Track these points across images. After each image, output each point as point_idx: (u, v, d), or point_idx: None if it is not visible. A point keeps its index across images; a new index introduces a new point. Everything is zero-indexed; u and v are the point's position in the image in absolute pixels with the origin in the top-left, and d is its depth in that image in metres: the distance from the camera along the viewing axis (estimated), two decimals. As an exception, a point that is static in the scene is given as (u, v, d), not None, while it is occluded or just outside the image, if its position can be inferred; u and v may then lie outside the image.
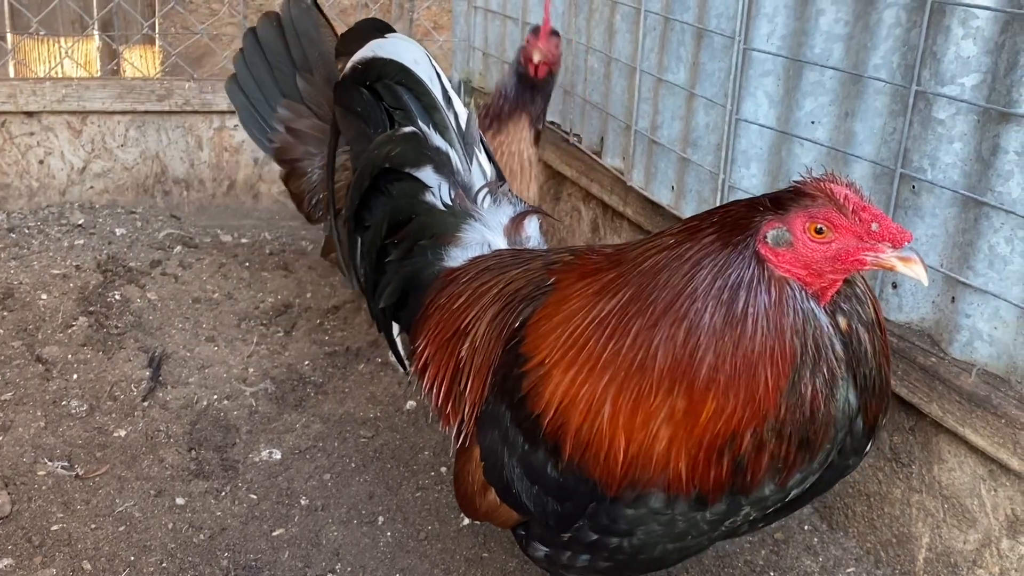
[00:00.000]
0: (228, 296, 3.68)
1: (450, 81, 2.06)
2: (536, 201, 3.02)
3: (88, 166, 4.30)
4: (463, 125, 2.06)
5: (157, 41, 5.01)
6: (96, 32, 4.67)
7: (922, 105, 2.17)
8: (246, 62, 3.25)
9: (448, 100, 2.06)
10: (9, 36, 4.54)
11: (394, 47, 2.07)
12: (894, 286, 2.31)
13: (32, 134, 4.19)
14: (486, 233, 2.05)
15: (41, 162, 4.23)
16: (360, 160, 2.09)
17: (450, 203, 2.04)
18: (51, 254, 3.87)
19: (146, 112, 4.29)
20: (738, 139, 2.71)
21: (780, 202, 1.42)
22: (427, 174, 2.04)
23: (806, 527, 2.54)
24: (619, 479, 1.48)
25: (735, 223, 1.44)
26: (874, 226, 1.37)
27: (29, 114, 4.15)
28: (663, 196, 3.12)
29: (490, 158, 2.08)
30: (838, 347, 1.42)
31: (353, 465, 2.73)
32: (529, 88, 2.97)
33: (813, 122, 2.51)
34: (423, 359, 2.01)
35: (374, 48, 2.07)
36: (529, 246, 2.04)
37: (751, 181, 2.72)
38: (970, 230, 2.08)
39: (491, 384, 1.76)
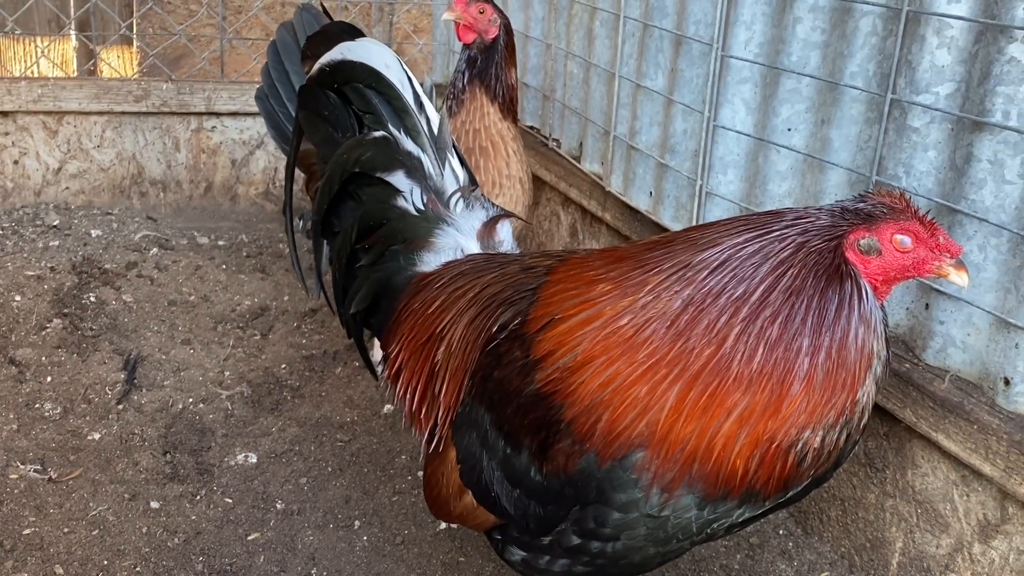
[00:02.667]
0: (204, 298, 3.66)
1: (421, 85, 2.05)
2: (520, 179, 2.98)
3: (64, 167, 4.27)
4: (435, 129, 2.05)
5: (135, 42, 4.98)
6: (73, 32, 4.63)
7: (897, 113, 2.19)
8: (269, 71, 3.25)
9: (420, 104, 2.04)
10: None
11: (364, 50, 2.05)
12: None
13: (7, 134, 4.15)
14: (459, 238, 2.04)
15: (16, 162, 4.20)
16: (328, 165, 2.08)
17: (422, 208, 2.03)
18: (25, 255, 3.83)
19: (123, 113, 4.26)
20: (715, 145, 2.73)
21: (863, 212, 1.50)
22: (399, 179, 2.03)
23: (781, 531, 2.55)
24: (670, 478, 1.47)
25: (818, 229, 1.50)
26: (941, 239, 1.51)
27: (4, 114, 4.11)
28: (641, 202, 3.14)
29: (462, 163, 2.08)
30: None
31: (330, 469, 2.72)
32: (476, 63, 2.95)
33: (790, 129, 2.52)
34: (396, 364, 2.01)
35: (343, 51, 2.05)
36: (502, 250, 2.04)
37: (728, 187, 2.73)
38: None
39: (468, 387, 1.76)
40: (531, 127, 3.97)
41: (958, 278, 1.51)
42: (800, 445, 1.45)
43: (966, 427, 2.01)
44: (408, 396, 1.97)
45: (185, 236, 4.20)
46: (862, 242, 1.50)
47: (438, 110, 2.10)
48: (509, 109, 2.97)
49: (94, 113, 4.23)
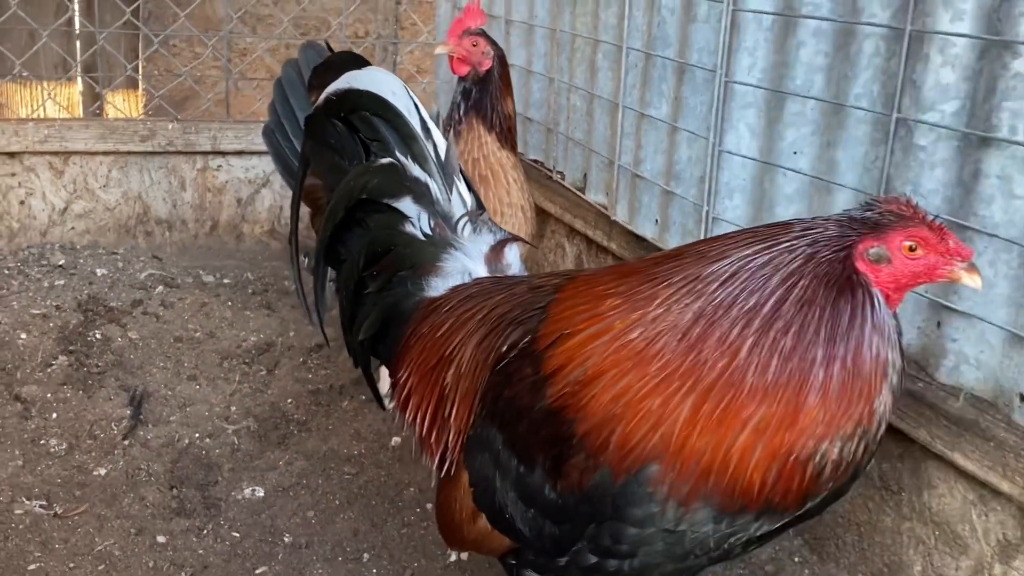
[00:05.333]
0: (210, 335, 3.65)
1: (429, 112, 2.05)
2: (521, 207, 2.99)
3: (70, 207, 4.28)
4: (442, 155, 2.05)
5: (140, 84, 5.02)
6: (79, 74, 4.67)
7: (903, 132, 2.19)
8: (275, 108, 3.28)
9: (427, 131, 2.05)
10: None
11: (371, 78, 2.06)
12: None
13: (13, 175, 4.17)
14: (467, 262, 2.03)
15: (22, 203, 4.21)
16: (335, 192, 2.07)
17: (430, 233, 2.03)
18: (31, 294, 3.83)
19: (129, 153, 4.29)
20: (721, 171, 2.73)
21: (871, 221, 1.49)
22: (406, 204, 2.03)
23: (796, 559, 2.52)
24: (686, 491, 1.45)
25: (827, 239, 1.48)
26: (951, 243, 1.49)
27: (11, 155, 4.14)
28: (647, 230, 3.13)
29: (469, 187, 2.08)
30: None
31: (337, 502, 2.69)
32: (472, 94, 2.98)
33: (796, 152, 2.53)
34: (406, 389, 1.99)
35: (349, 80, 2.06)
36: (509, 273, 2.04)
37: (735, 212, 2.73)
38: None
39: (479, 409, 1.74)
40: (535, 160, 3.98)
41: (970, 280, 1.50)
42: (819, 457, 1.43)
43: (983, 445, 1.99)
44: (418, 421, 1.94)
45: (190, 275, 4.20)
46: (871, 252, 1.49)
47: (445, 137, 2.11)
48: (507, 138, 2.98)
49: (100, 153, 4.25)
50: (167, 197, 4.41)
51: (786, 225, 1.54)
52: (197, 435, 2.98)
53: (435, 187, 2.04)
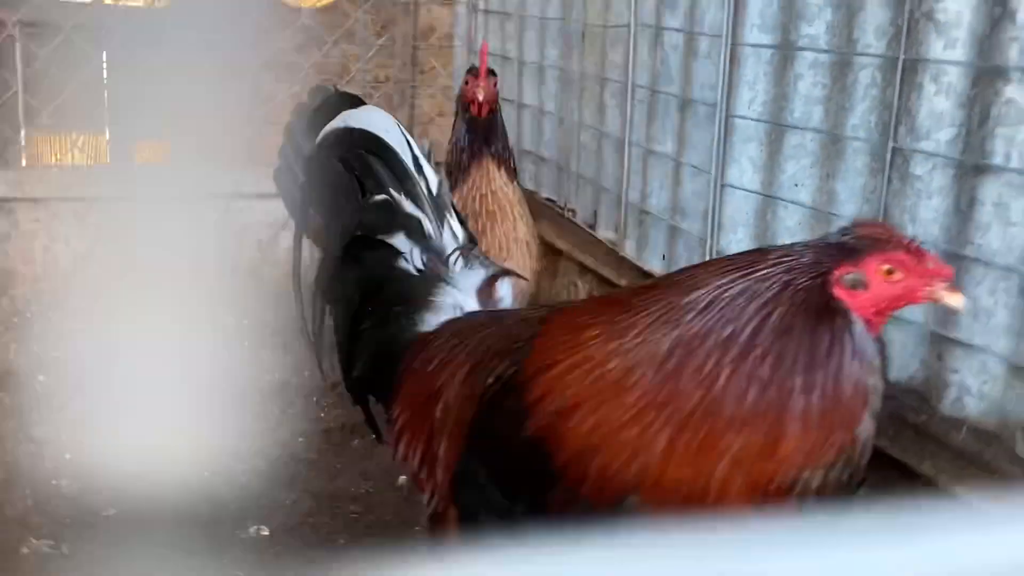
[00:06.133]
0: (225, 374, 3.67)
1: (420, 147, 2.08)
2: (527, 243, 2.98)
3: (92, 252, 4.33)
4: (434, 190, 2.07)
5: (165, 131, 5.11)
6: (106, 123, 4.75)
7: (900, 161, 2.17)
8: (286, 151, 3.32)
9: (418, 166, 2.07)
10: (23, 131, 4.63)
11: (367, 117, 2.09)
12: (882, 345, 2.28)
13: (38, 220, 4.24)
14: (458, 296, 2.04)
15: (46, 249, 4.28)
16: (330, 230, 2.10)
17: (422, 268, 2.04)
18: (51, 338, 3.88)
19: (151, 198, 4.34)
20: (724, 205, 2.72)
21: (846, 247, 1.47)
22: (399, 240, 2.04)
23: (806, 598, 2.46)
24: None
25: (802, 267, 1.47)
26: (930, 264, 1.47)
27: (35, 200, 4.21)
28: (655, 265, 3.12)
29: (461, 222, 2.09)
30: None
31: (342, 541, 2.69)
32: (479, 130, 2.96)
33: (796, 185, 2.51)
34: (398, 425, 1.99)
35: (345, 119, 2.10)
36: (501, 307, 2.04)
37: (739, 245, 2.71)
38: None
39: (465, 442, 1.73)
40: (548, 199, 3.99)
41: (952, 300, 1.47)
42: (801, 486, 1.41)
43: (986, 479, 1.94)
44: (410, 457, 1.94)
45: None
46: (847, 277, 1.46)
47: (436, 172, 2.13)
48: (512, 172, 2.99)
49: (124, 199, 4.31)
50: (189, 240, 4.45)
51: (763, 253, 1.53)
52: (206, 473, 2.99)
53: (427, 222, 2.06)
